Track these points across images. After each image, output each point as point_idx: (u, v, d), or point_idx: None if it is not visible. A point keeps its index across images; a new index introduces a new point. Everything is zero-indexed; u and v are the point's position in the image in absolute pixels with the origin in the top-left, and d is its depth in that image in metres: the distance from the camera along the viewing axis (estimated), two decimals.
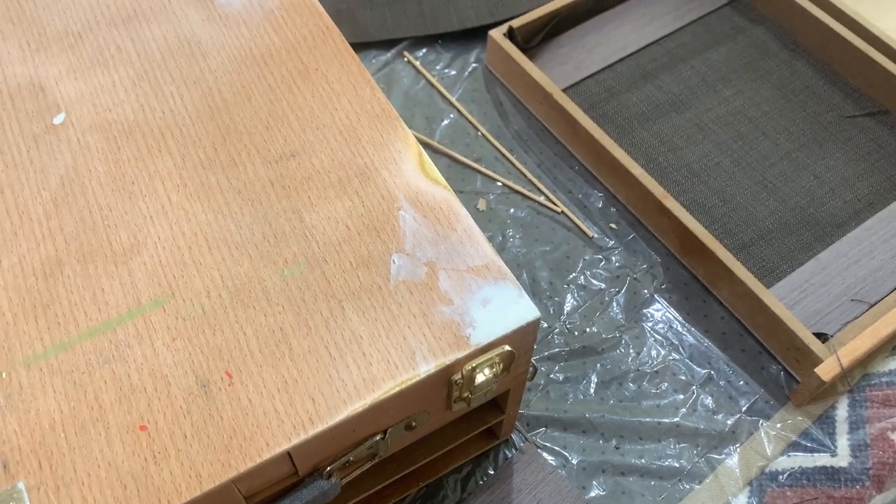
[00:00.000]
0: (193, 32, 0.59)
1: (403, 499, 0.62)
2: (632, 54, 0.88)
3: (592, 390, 0.68)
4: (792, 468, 0.63)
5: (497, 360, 0.47)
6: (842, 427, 0.65)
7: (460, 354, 0.45)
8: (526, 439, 0.65)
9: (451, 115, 0.85)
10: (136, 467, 0.41)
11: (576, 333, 0.71)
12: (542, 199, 0.79)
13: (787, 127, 0.82)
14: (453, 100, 0.86)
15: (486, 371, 0.47)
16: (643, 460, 0.64)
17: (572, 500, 0.62)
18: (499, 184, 0.80)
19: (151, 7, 0.61)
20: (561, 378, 0.68)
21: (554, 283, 0.73)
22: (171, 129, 0.54)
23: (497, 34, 0.84)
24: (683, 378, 0.68)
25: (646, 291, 0.73)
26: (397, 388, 0.44)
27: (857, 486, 0.61)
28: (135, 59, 0.58)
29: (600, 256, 0.75)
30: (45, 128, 0.54)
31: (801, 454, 0.64)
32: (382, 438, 0.48)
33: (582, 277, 0.74)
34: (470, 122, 0.84)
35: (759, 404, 0.67)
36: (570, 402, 0.67)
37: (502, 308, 0.47)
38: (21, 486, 0.41)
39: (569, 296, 0.73)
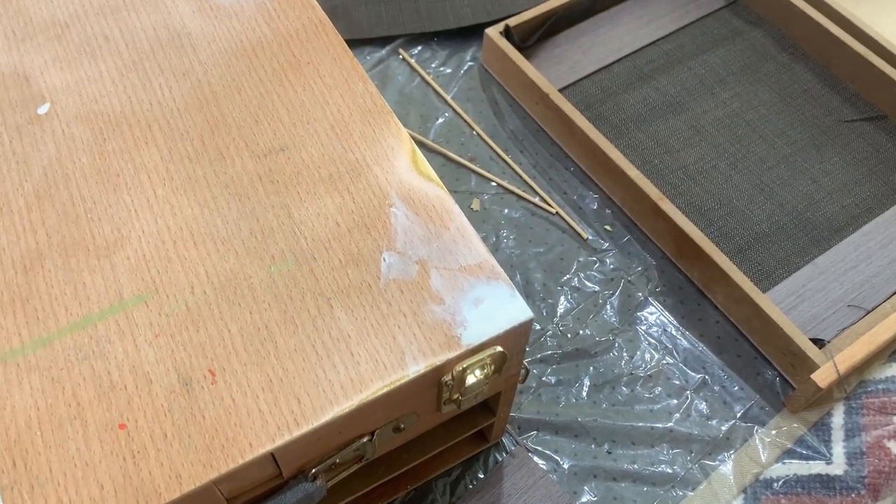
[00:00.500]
0: (183, 23, 0.58)
1: (391, 502, 0.61)
2: (629, 55, 0.87)
3: (585, 394, 0.67)
4: (787, 476, 0.62)
5: (488, 361, 0.46)
6: (838, 434, 0.64)
7: (451, 355, 0.44)
8: (517, 443, 0.64)
9: (446, 114, 0.84)
10: (113, 467, 0.40)
11: (569, 336, 0.70)
12: (536, 199, 0.78)
13: (785, 130, 0.81)
14: (448, 98, 0.85)
15: (478, 372, 0.46)
16: (636, 466, 0.63)
17: None
18: (493, 184, 0.79)
19: None
20: (553, 381, 0.67)
21: (547, 284, 0.72)
22: (159, 122, 0.53)
23: (493, 32, 0.83)
24: (677, 383, 0.67)
25: (640, 294, 0.72)
26: (386, 389, 0.43)
27: (853, 495, 0.61)
28: (123, 50, 0.57)
29: (595, 258, 0.74)
30: (28, 118, 0.53)
31: (796, 461, 0.63)
32: (370, 440, 0.46)
33: (576, 279, 0.73)
34: (465, 122, 0.83)
35: (754, 410, 0.66)
36: (562, 406, 0.66)
37: (495, 308, 0.46)
38: None
39: (562, 298, 0.72)
